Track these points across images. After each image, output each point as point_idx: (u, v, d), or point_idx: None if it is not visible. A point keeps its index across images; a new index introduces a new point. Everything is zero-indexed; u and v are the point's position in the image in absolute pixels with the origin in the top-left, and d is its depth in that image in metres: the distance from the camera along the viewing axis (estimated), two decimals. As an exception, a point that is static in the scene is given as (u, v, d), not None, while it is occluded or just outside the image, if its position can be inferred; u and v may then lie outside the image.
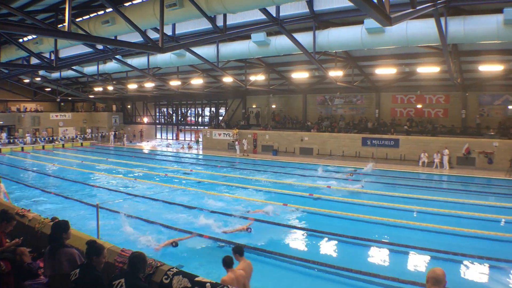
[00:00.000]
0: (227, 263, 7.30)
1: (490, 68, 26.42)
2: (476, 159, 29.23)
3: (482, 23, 18.05)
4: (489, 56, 25.93)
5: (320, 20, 21.23)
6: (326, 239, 13.33)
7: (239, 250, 7.93)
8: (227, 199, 18.84)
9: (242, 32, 20.79)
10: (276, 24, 20.03)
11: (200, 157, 38.40)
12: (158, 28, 15.20)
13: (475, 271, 10.75)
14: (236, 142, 37.24)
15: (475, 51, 25.79)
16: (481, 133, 31.43)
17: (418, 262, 11.50)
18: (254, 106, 45.61)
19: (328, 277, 10.21)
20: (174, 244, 12.05)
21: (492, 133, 30.39)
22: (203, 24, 22.20)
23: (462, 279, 10.14)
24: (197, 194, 20.00)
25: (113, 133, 52.16)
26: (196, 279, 5.43)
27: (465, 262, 11.16)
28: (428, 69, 27.90)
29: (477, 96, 33.07)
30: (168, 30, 22.90)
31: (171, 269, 5.81)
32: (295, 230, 14.29)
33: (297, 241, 13.31)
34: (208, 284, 5.23)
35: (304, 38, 21.81)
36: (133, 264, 5.18)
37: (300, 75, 32.74)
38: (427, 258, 11.62)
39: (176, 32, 23.47)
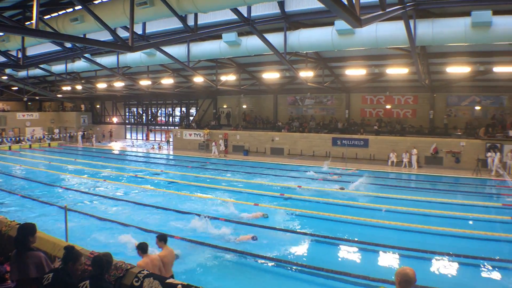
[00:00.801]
0: (142, 249, 7.85)
1: (458, 69, 26.99)
2: (443, 159, 29.83)
3: (450, 25, 18.37)
4: (457, 58, 26.43)
5: (291, 21, 21.29)
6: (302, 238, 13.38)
7: (163, 238, 8.46)
8: (201, 200, 18.73)
9: (213, 32, 20.71)
10: (247, 25, 19.99)
11: (171, 157, 38.11)
12: (128, 26, 15.01)
13: (445, 268, 10.92)
14: (213, 143, 36.94)
15: (443, 53, 26.26)
16: (449, 133, 32.13)
17: (388, 260, 11.62)
18: (225, 106, 45.54)
19: (299, 277, 10.23)
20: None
21: (459, 133, 31.06)
22: (174, 23, 22.03)
23: (432, 276, 10.28)
24: (167, 195, 19.82)
25: (81, 133, 51.25)
26: (167, 281, 5.38)
27: (435, 259, 11.33)
28: (397, 71, 28.27)
29: (445, 97, 33.79)
30: (138, 29, 22.60)
31: (142, 272, 5.75)
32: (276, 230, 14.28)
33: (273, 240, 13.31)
34: (179, 286, 5.19)
35: (275, 38, 21.83)
36: (98, 266, 5.10)
37: (271, 76, 32.79)
38: (397, 256, 11.76)
39: (147, 31, 23.19)
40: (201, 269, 10.46)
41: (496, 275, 10.55)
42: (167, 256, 8.19)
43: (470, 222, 15.84)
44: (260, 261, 11.12)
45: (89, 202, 18.11)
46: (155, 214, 16.18)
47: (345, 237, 13.50)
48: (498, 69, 25.99)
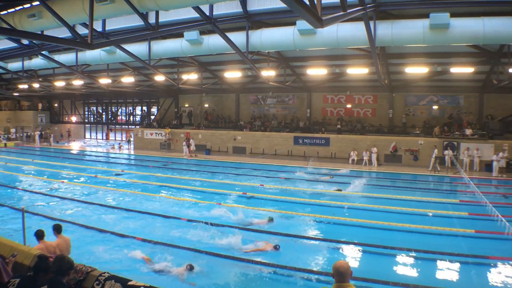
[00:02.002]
0: (38, 235, 8.52)
1: (416, 70, 27.88)
2: (402, 157, 30.48)
3: (409, 27, 18.82)
4: (415, 59, 27.14)
5: (253, 20, 21.31)
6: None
7: (56, 228, 9.05)
8: (163, 200, 18.49)
9: (174, 30, 20.56)
10: (209, 23, 19.91)
11: (132, 157, 37.57)
12: (88, 23, 14.76)
13: (405, 263, 11.12)
14: (184, 143, 36.41)
15: (402, 54, 26.83)
16: (407, 131, 32.96)
17: (351, 256, 11.74)
18: (186, 105, 45.21)
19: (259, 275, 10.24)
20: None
21: (418, 132, 31.82)
22: (135, 21, 21.66)
23: (392, 271, 10.44)
24: (128, 195, 19.51)
25: (39, 133, 49.80)
26: (129, 283, 5.29)
27: (396, 255, 11.54)
28: (357, 71, 28.78)
29: (404, 96, 34.59)
30: (98, 26, 22.21)
31: (103, 274, 5.64)
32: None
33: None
34: None
35: (237, 37, 21.82)
36: (58, 270, 4.98)
37: (233, 75, 32.77)
38: (359, 252, 11.92)
39: (107, 28, 22.79)
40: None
41: (454, 269, 10.82)
42: (61, 244, 8.80)
43: (428, 218, 16.21)
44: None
45: (48, 203, 17.63)
46: (114, 214, 15.87)
47: (310, 234, 13.59)
48: (455, 69, 26.84)
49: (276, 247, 11.63)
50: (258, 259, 10.92)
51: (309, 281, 9.80)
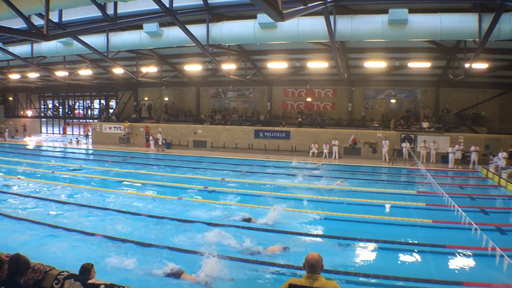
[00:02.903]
0: None
1: (375, 64, 28.43)
2: (361, 149, 31.08)
3: (368, 22, 19.16)
4: (374, 54, 27.70)
5: (214, 13, 21.22)
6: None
7: None
8: (126, 196, 18.10)
9: (133, 21, 20.25)
10: (169, 15, 19.65)
11: (91, 152, 36.86)
12: (44, 14, 14.34)
13: (367, 253, 11.31)
14: (151, 137, 35.82)
15: (362, 49, 27.31)
16: (366, 125, 33.55)
17: (313, 248, 11.83)
18: (146, 99, 44.59)
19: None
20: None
21: (376, 125, 32.43)
22: (93, 12, 21.08)
23: (354, 261, 10.59)
24: (87, 191, 19.06)
25: (-8, 127, 48.35)
26: (89, 281, 5.19)
27: (357, 246, 11.71)
28: (317, 64, 29.11)
29: (363, 90, 35.23)
30: (54, 17, 21.66)
31: (62, 273, 5.51)
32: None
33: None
34: (102, 286, 5.03)
35: (198, 30, 21.68)
36: (12, 269, 4.85)
37: (193, 68, 32.58)
38: (319, 243, 12.04)
39: (64, 19, 22.27)
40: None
41: (413, 258, 11.08)
42: None
43: (387, 209, 16.59)
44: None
45: (2, 201, 17.11)
46: (72, 211, 15.46)
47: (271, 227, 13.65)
48: (412, 64, 27.56)
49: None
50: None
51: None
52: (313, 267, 4.58)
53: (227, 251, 11.01)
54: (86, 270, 6.36)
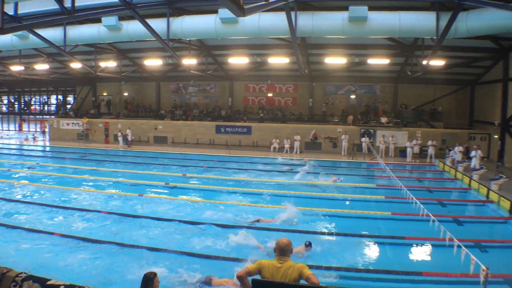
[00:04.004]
0: None
1: (335, 60, 28.88)
2: (322, 144, 31.46)
3: (329, 19, 19.42)
4: (334, 50, 28.11)
5: (175, 7, 21.03)
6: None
7: None
8: (85, 194, 17.61)
9: (92, 15, 19.84)
10: (128, 9, 19.32)
11: (48, 149, 35.93)
12: (-2, 6, 13.91)
13: (330, 246, 11.42)
14: (120, 133, 35.00)
15: (322, 45, 27.67)
16: (326, 120, 33.98)
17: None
18: (105, 94, 43.77)
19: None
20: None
21: (336, 120, 32.99)
22: (50, 4, 20.56)
23: (317, 253, 10.72)
24: (45, 190, 18.60)
25: None
26: (48, 282, 5.13)
27: (319, 239, 11.84)
28: (279, 60, 29.32)
29: (323, 86, 35.72)
30: (9, 9, 21.05)
31: (20, 275, 5.41)
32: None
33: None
34: (62, 287, 4.99)
35: (158, 24, 21.45)
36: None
37: (153, 62, 32.26)
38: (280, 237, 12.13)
39: (19, 12, 21.64)
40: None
41: (373, 250, 11.32)
42: None
43: (347, 203, 16.90)
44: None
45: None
46: (29, 210, 15.02)
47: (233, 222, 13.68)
48: (371, 61, 28.16)
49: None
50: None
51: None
52: (283, 250, 4.99)
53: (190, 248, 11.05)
54: (149, 279, 6.08)
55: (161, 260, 10.03)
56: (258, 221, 13.47)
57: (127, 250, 10.76)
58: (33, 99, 51.51)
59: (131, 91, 42.41)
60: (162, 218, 13.69)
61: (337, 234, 12.28)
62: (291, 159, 28.05)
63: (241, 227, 12.79)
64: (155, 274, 6.18)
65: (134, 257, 10.21)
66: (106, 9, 19.73)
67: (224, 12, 18.99)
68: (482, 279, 7.28)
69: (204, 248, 11.06)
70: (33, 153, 32.26)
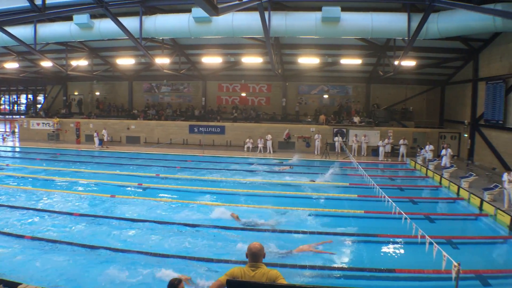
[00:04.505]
0: None
1: (308, 60, 29.07)
2: (295, 143, 31.54)
3: (302, 19, 19.53)
4: (308, 50, 28.29)
5: (147, 6, 20.83)
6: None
7: None
8: (56, 195, 17.29)
9: (63, 12, 19.62)
10: (100, 6, 19.11)
11: (17, 149, 35.17)
12: (-34, 3, 13.59)
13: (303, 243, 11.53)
14: (95, 134, 34.19)
15: (296, 45, 27.82)
16: (300, 119, 34.15)
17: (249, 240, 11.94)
18: (76, 93, 43.04)
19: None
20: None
21: (309, 120, 33.16)
22: (20, 1, 20.22)
23: (290, 253, 10.78)
24: (14, 191, 18.16)
25: None
26: (19, 286, 5.05)
27: (293, 237, 11.94)
28: (252, 60, 29.36)
29: (296, 86, 35.92)
30: (-23, 7, 20.63)
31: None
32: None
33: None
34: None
35: (131, 22, 21.21)
36: None
37: (126, 61, 31.80)
38: (252, 235, 12.17)
39: (-13, 9, 21.23)
40: None
41: (346, 247, 11.45)
42: None
43: (321, 201, 17.03)
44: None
45: None
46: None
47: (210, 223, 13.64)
48: (344, 61, 28.48)
49: None
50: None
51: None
52: (256, 256, 4.71)
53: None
54: (173, 286, 6.04)
55: (136, 262, 9.97)
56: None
57: (100, 252, 10.64)
58: (2, 98, 50.39)
59: (103, 91, 41.80)
60: (136, 219, 13.59)
61: (311, 233, 12.35)
62: (265, 158, 28.12)
63: (215, 226, 12.81)
64: (179, 281, 6.17)
65: (108, 260, 10.12)
66: (78, 7, 19.52)
67: (198, 11, 18.89)
68: (454, 275, 7.43)
69: (181, 249, 11.04)
70: (2, 154, 31.53)
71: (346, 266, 10.13)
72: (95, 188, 18.86)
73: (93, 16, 21.69)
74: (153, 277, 9.20)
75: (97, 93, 41.89)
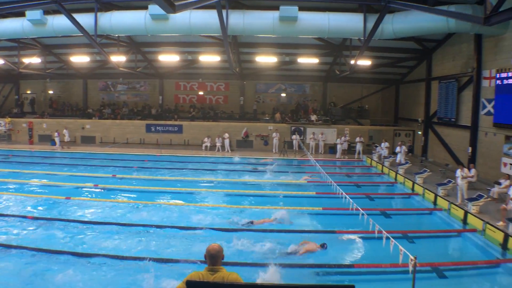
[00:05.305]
0: None
1: (266, 59, 29.27)
2: (253, 142, 31.60)
3: (260, 18, 19.66)
4: (265, 49, 28.46)
5: (103, 2, 20.50)
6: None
7: None
8: (7, 198, 16.64)
9: (15, 8, 19.12)
10: (54, 2, 18.64)
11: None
12: None
13: (259, 242, 11.50)
14: (56, 134, 32.94)
15: (253, 43, 27.87)
16: (258, 118, 34.28)
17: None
18: (28, 92, 41.75)
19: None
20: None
21: (267, 118, 33.32)
22: (-32, -3, 19.58)
23: (246, 250, 10.81)
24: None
25: None
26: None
27: (251, 235, 11.95)
28: (210, 58, 29.34)
29: (254, 84, 36.12)
30: None
31: None
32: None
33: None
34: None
35: (86, 19, 20.71)
36: None
37: (80, 59, 31.06)
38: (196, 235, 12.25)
39: None
40: None
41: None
42: None
43: (280, 198, 17.15)
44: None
45: None
46: None
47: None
48: (302, 60, 28.80)
49: None
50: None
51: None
52: (214, 258, 4.61)
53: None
54: None
55: (92, 265, 9.79)
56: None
57: (54, 256, 10.37)
58: (-50, 97, 48.47)
59: (56, 89, 40.69)
60: (92, 221, 13.34)
61: (271, 231, 12.43)
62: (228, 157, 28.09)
63: (173, 227, 12.72)
64: None
65: (62, 264, 9.88)
66: (31, 2, 18.98)
67: (155, 8, 18.66)
68: (411, 268, 7.60)
69: (139, 250, 10.93)
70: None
71: (305, 263, 10.22)
72: (50, 190, 18.24)
73: (46, 12, 21.15)
74: (112, 279, 9.06)
75: (51, 92, 40.75)
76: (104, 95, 39.25)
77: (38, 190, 18.37)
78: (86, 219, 13.70)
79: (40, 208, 15.20)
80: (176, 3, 12.37)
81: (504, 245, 11.35)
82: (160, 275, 9.12)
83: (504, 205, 12.95)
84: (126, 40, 28.27)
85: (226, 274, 4.53)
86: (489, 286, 9.75)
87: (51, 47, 31.50)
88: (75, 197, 16.74)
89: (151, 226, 12.82)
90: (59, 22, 20.94)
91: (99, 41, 22.37)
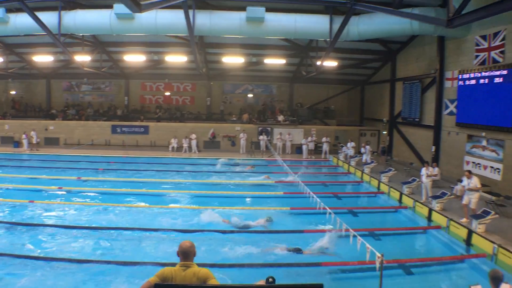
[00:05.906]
0: None
1: (233, 60, 29.26)
2: (221, 142, 31.54)
3: (227, 18, 19.72)
4: (232, 49, 28.44)
5: (67, 0, 20.16)
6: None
7: None
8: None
9: (-25, 6, 18.48)
10: (17, 0, 18.23)
11: None
12: None
13: (209, 244, 11.54)
14: (24, 135, 31.88)
15: (220, 44, 27.85)
16: (225, 119, 34.18)
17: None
18: (-11, 92, 40.82)
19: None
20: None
21: (234, 119, 33.22)
22: None
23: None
24: None
25: None
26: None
27: (209, 236, 11.97)
28: (176, 58, 29.14)
29: (221, 85, 36.14)
30: None
31: None
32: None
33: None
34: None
35: (49, 17, 20.32)
36: None
37: (43, 58, 30.34)
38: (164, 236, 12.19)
39: None
40: None
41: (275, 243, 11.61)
42: None
43: (247, 200, 17.24)
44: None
45: None
46: None
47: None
48: (268, 61, 28.93)
49: None
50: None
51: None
52: (186, 253, 4.65)
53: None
54: None
55: (58, 270, 9.60)
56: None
57: (19, 261, 10.10)
58: None
59: (19, 89, 39.68)
60: (57, 225, 13.03)
61: (232, 232, 12.47)
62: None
63: (139, 229, 12.59)
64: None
65: (28, 269, 9.65)
66: (-8, 0, 18.50)
67: (120, 7, 18.40)
68: (378, 265, 7.73)
69: (104, 253, 10.79)
70: None
71: (273, 262, 10.26)
72: (12, 194, 17.54)
73: (9, 10, 20.65)
74: (76, 284, 8.92)
75: (13, 92, 39.68)
76: (68, 96, 38.48)
77: (0, 193, 17.81)
78: (50, 223, 13.38)
79: (2, 211, 14.74)
80: (142, 3, 12.31)
81: (467, 241, 11.64)
82: (126, 278, 9.03)
83: (464, 202, 13.37)
84: (91, 40, 27.82)
85: (197, 269, 4.58)
86: (454, 281, 9.99)
87: (14, 46, 30.71)
88: (38, 200, 16.17)
89: (116, 228, 12.65)
90: (22, 20, 20.49)
91: (63, 40, 22.00)
